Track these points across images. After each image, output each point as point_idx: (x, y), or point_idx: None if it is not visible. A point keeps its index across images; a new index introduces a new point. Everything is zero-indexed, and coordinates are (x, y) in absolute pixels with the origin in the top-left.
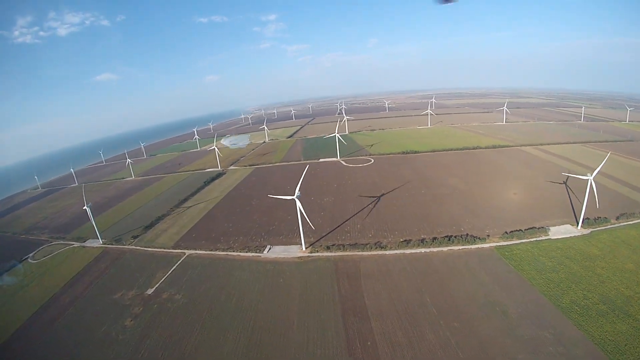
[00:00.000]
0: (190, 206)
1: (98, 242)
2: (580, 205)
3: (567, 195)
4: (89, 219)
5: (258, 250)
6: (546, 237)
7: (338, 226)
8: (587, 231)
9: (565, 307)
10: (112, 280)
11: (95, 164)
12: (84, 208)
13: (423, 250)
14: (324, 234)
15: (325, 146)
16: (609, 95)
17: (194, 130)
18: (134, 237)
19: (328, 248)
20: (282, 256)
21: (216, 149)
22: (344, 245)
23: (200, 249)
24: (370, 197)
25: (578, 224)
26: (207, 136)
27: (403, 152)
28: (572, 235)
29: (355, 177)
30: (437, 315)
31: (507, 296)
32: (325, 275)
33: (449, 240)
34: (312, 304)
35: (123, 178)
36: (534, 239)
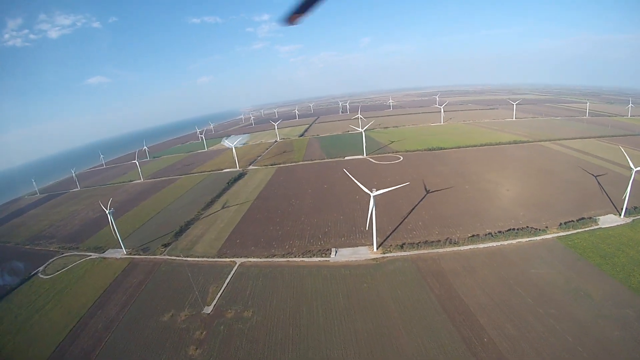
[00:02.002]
0: (221, 209)
1: (121, 253)
2: (614, 195)
3: (600, 187)
4: (100, 227)
5: (323, 255)
6: (597, 227)
7: (399, 224)
8: (629, 220)
9: (636, 287)
10: (152, 299)
11: (95, 167)
12: (107, 212)
13: (494, 244)
14: (389, 233)
15: (344, 144)
16: (604, 91)
17: (197, 131)
18: (165, 246)
19: (401, 247)
20: (354, 259)
21: (233, 148)
22: (416, 244)
23: (253, 257)
24: (416, 193)
25: (620, 213)
26: (210, 137)
27: (429, 149)
28: (618, 224)
29: (392, 174)
30: (534, 304)
31: (584, 281)
32: (411, 276)
33: (516, 233)
34: (410, 307)
35: (131, 181)
36: (588, 229)
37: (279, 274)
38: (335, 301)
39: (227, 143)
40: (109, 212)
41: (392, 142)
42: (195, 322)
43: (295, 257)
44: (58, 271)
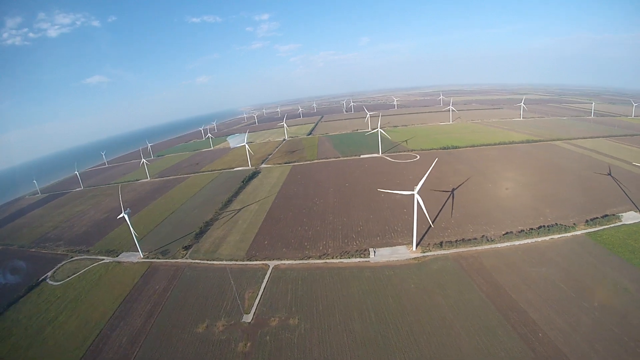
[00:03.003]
0: (240, 208)
1: (137, 256)
2: (631, 193)
3: (617, 184)
4: (110, 228)
5: (362, 255)
6: (621, 223)
7: (433, 222)
8: None
9: None
10: (181, 307)
11: (97, 166)
12: (123, 214)
13: (528, 240)
14: (424, 232)
15: (356, 142)
16: (604, 91)
17: (202, 129)
18: (186, 248)
19: (440, 246)
20: (394, 259)
21: (247, 146)
22: (454, 242)
23: (287, 259)
24: (442, 192)
25: None
26: (214, 135)
27: (444, 148)
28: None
29: (413, 172)
30: (577, 298)
31: (619, 275)
32: (456, 275)
33: (547, 229)
34: (462, 306)
35: (137, 180)
36: (613, 225)
37: (319, 276)
38: (385, 303)
39: (234, 141)
40: (125, 213)
41: (405, 140)
42: (235, 332)
43: (332, 258)
44: (69, 277)
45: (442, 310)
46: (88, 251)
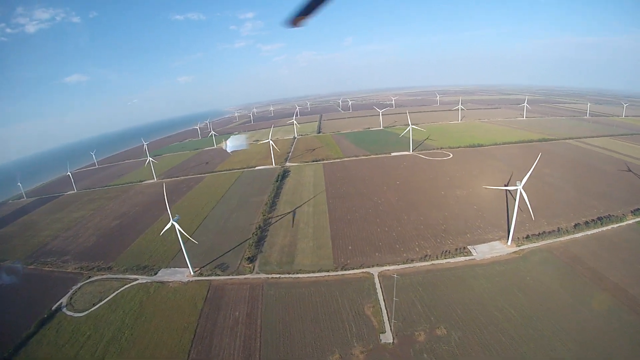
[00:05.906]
0: (290, 210)
1: (185, 273)
2: None
3: (637, 178)
4: (130, 238)
5: (464, 254)
6: None
7: (508, 218)
8: None
9: None
10: (287, 338)
11: (87, 167)
12: (172, 221)
13: (595, 230)
14: (508, 228)
15: (375, 140)
16: (587, 92)
17: (198, 127)
18: (250, 260)
19: (528, 239)
20: (496, 254)
21: (271, 143)
22: (538, 235)
23: (388, 264)
24: (496, 188)
25: None
26: (205, 135)
27: (471, 146)
28: None
29: (457, 169)
30: None
31: None
32: (557, 264)
33: (608, 219)
34: (579, 292)
35: (141, 181)
36: None
37: (435, 279)
38: (515, 298)
39: (233, 143)
40: (174, 221)
41: (425, 139)
42: (383, 357)
43: (436, 259)
44: (95, 305)
45: (566, 298)
46: (110, 268)
